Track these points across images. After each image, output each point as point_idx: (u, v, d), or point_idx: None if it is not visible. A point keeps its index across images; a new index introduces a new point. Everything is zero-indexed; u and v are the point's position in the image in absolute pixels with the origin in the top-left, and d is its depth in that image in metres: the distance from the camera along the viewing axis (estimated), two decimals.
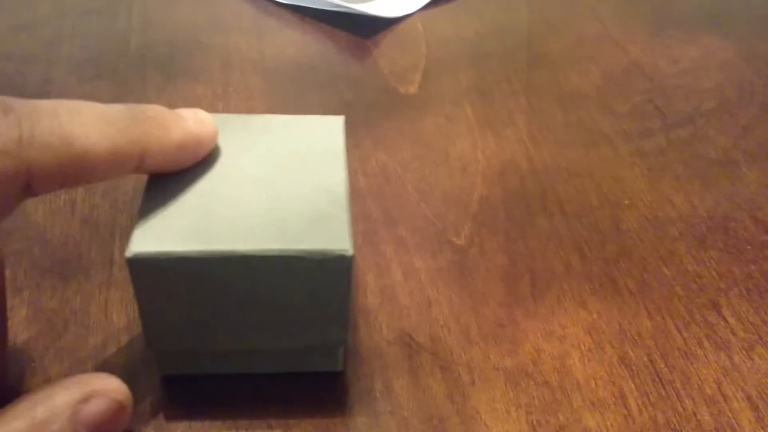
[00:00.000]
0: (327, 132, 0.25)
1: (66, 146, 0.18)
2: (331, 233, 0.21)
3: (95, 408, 0.19)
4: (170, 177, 0.22)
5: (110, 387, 0.19)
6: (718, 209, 0.31)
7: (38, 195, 0.19)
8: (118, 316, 0.25)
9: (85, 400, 0.18)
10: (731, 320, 0.26)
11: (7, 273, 0.26)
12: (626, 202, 0.31)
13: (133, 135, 0.20)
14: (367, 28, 0.42)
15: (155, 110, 0.21)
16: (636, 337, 0.26)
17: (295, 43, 0.41)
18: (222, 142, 0.23)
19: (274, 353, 0.23)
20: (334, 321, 0.22)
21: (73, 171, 0.19)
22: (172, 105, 0.35)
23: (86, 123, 0.19)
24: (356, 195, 0.31)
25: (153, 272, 0.20)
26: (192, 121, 0.22)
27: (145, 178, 0.22)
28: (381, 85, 0.38)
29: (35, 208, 0.29)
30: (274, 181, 0.22)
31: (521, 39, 0.42)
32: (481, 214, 0.30)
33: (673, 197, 0.32)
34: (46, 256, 0.27)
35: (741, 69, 0.41)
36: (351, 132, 0.34)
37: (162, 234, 0.20)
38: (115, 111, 0.20)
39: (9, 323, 0.24)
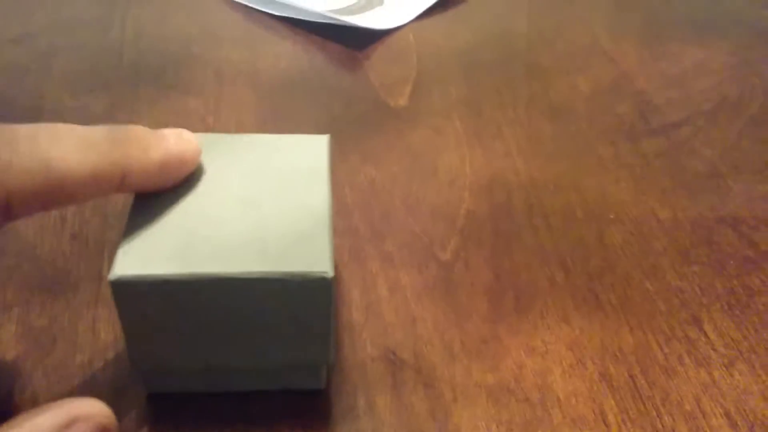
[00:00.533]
0: (312, 151, 0.25)
1: (45, 170, 0.18)
2: (312, 255, 0.21)
3: None
4: (155, 196, 0.22)
5: (94, 411, 0.19)
6: (703, 223, 0.32)
7: (18, 219, 0.19)
8: (105, 333, 0.25)
9: (69, 425, 0.18)
10: (712, 336, 0.27)
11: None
12: (611, 216, 0.32)
13: (114, 157, 0.20)
14: (358, 40, 0.42)
15: (136, 131, 0.21)
16: (617, 353, 0.26)
17: (288, 56, 0.41)
18: (207, 162, 0.24)
19: (258, 371, 0.23)
20: (316, 341, 0.22)
21: (53, 194, 0.19)
22: (164, 118, 0.36)
23: (65, 146, 0.19)
24: (343, 209, 0.31)
25: (136, 294, 0.20)
26: (174, 141, 0.22)
27: (132, 195, 0.22)
28: (371, 97, 0.38)
29: (25, 224, 0.29)
30: (257, 201, 0.23)
31: (513, 50, 0.43)
32: (468, 228, 0.31)
33: (658, 211, 0.32)
34: (36, 272, 0.27)
35: (729, 81, 0.41)
36: (339, 146, 0.35)
37: (145, 256, 0.20)
38: (95, 133, 0.20)
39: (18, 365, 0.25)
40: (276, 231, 0.22)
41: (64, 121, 0.21)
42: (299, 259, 0.21)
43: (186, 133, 0.23)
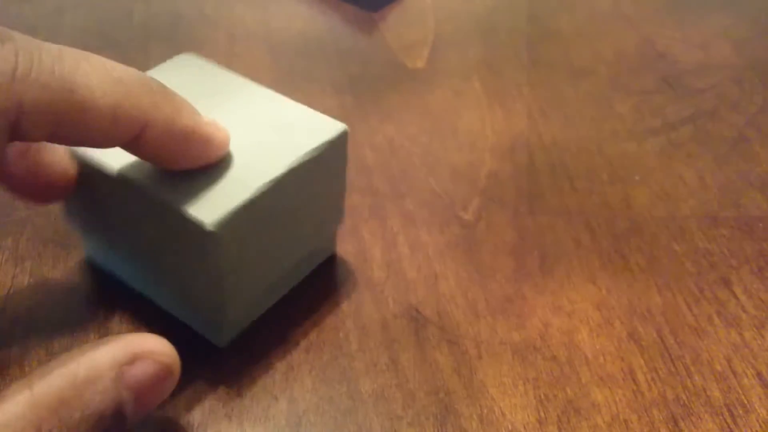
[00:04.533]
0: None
1: (65, 92, 0.17)
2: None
3: (141, 371, 0.17)
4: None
5: (157, 349, 0.18)
6: (730, 186, 0.31)
7: (26, 141, 0.17)
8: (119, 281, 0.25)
9: (131, 361, 0.17)
10: (742, 297, 0.26)
11: (9, 242, 0.26)
12: (637, 178, 0.31)
13: (140, 100, 0.18)
14: (374, 2, 0.41)
15: (173, 92, 0.20)
16: (646, 313, 0.25)
17: (302, 17, 0.40)
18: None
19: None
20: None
21: (68, 121, 0.17)
22: None
23: (91, 74, 0.17)
24: (363, 169, 0.30)
25: (235, 231, 0.20)
26: (207, 121, 0.20)
27: None
28: (388, 59, 0.37)
29: None
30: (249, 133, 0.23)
31: (531, 14, 0.42)
32: (490, 189, 0.30)
33: (685, 174, 0.31)
34: (48, 226, 0.27)
35: (754, 45, 0.40)
36: (358, 105, 0.34)
37: (206, 196, 0.20)
38: (127, 71, 0.18)
39: (11, 291, 0.24)
40: (273, 134, 0.22)
41: None
42: (314, 135, 0.22)
43: (220, 124, 0.21)
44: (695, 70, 0.38)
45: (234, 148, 0.22)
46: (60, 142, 0.18)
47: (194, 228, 0.19)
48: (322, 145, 0.22)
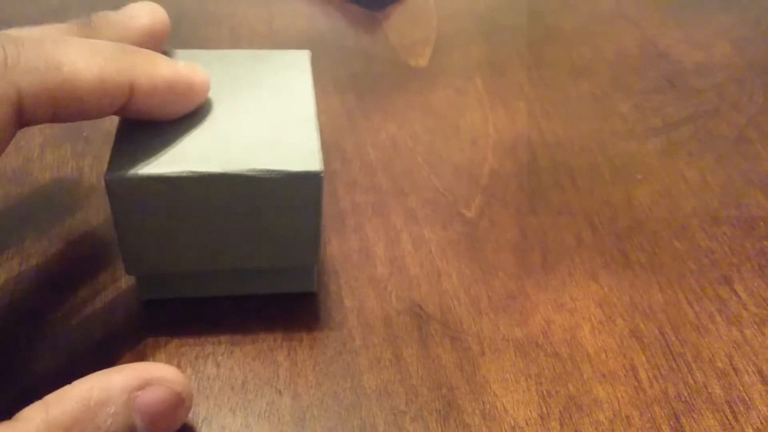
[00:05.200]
0: (294, 65, 0.25)
1: (53, 70, 0.18)
2: (302, 154, 0.21)
3: (152, 396, 0.18)
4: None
5: (169, 377, 0.18)
6: (731, 185, 0.31)
7: (31, 124, 0.18)
8: (126, 279, 0.25)
9: (142, 386, 0.18)
10: (743, 295, 0.26)
11: (14, 239, 0.26)
12: (638, 176, 0.31)
13: (121, 63, 0.19)
14: (377, 1, 0.42)
15: (143, 49, 0.21)
16: (647, 311, 0.25)
17: (305, 15, 0.40)
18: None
19: (250, 274, 0.24)
20: (305, 241, 0.22)
21: (63, 97, 0.18)
22: None
23: (72, 51, 0.18)
24: (366, 167, 0.31)
25: (130, 193, 0.20)
26: (182, 65, 0.21)
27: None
28: (391, 58, 0.37)
29: (42, 175, 0.29)
30: (244, 108, 0.23)
31: (533, 13, 0.42)
32: (492, 186, 0.30)
33: (686, 173, 0.31)
34: (54, 222, 0.27)
35: (755, 45, 0.40)
36: (360, 103, 0.34)
37: (138, 158, 0.21)
38: (102, 43, 0.20)
39: (14, 290, 0.24)
40: (266, 134, 0.22)
41: None
42: (290, 158, 0.21)
43: (198, 66, 0.22)
44: (696, 69, 0.38)
45: (239, 120, 0.22)
46: (62, 121, 0.19)
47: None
48: (284, 172, 0.21)
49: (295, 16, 0.40)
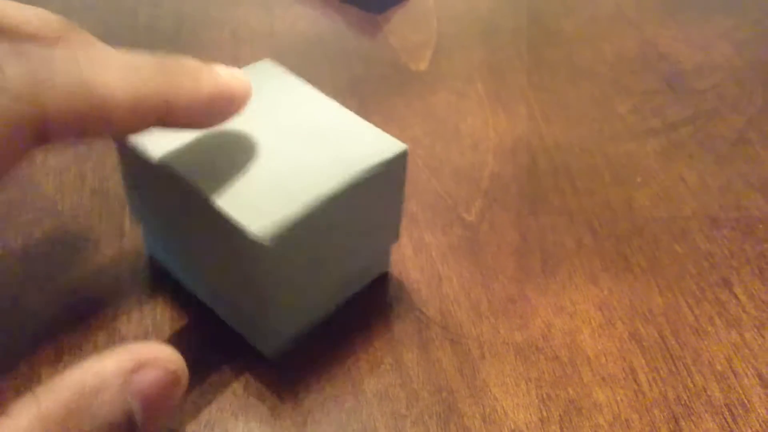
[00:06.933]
0: (275, 76, 0.24)
1: (84, 92, 0.17)
2: (384, 144, 0.22)
3: (147, 378, 0.17)
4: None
5: (163, 356, 0.17)
6: (731, 188, 0.31)
7: (52, 143, 0.17)
8: (127, 285, 0.25)
9: (137, 369, 0.17)
10: (743, 298, 0.26)
11: (19, 242, 0.26)
12: (638, 179, 0.31)
13: (159, 85, 0.18)
14: (377, 4, 0.42)
15: (185, 60, 0.20)
16: (647, 314, 0.26)
17: (306, 18, 0.40)
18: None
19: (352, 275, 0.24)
20: (391, 221, 0.24)
21: (92, 119, 0.17)
22: None
23: (107, 69, 0.17)
24: None
25: (283, 247, 0.20)
26: (225, 76, 0.20)
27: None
28: (391, 61, 0.37)
29: (45, 180, 0.29)
30: (276, 130, 0.22)
31: (533, 16, 0.42)
32: (492, 190, 0.30)
33: (686, 176, 0.32)
34: (57, 227, 0.27)
35: (755, 47, 0.40)
36: (361, 108, 0.34)
37: (254, 206, 0.20)
38: (141, 59, 0.19)
39: (19, 291, 0.25)
40: (325, 141, 0.22)
41: None
42: (376, 149, 0.22)
43: (238, 71, 0.21)
44: (696, 70, 0.38)
45: (294, 159, 0.21)
46: (87, 138, 0.18)
47: (246, 239, 0.19)
48: (381, 163, 0.21)
49: (295, 19, 0.40)
